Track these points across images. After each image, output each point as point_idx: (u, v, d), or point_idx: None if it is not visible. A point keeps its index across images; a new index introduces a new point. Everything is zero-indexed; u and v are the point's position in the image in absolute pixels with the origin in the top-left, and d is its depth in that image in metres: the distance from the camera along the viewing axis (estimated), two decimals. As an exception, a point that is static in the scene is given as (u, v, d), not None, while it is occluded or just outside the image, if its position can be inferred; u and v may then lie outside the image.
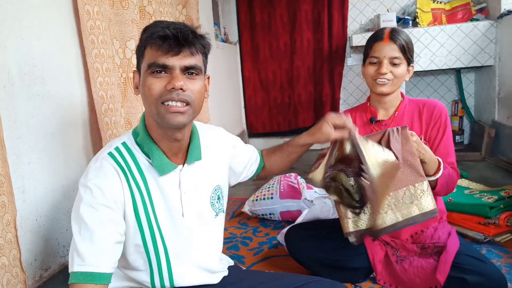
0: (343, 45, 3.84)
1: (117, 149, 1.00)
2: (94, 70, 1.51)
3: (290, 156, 1.35)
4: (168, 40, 0.92)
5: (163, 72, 0.94)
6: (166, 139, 1.01)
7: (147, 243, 1.00)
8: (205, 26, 2.99)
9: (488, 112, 3.39)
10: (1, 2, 1.16)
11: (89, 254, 0.89)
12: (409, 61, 1.44)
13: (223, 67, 3.59)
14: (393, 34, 1.39)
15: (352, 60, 3.99)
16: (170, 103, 0.94)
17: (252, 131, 4.26)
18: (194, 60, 0.97)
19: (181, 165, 1.06)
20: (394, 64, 1.40)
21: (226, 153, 1.23)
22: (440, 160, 1.36)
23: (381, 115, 1.52)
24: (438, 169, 1.35)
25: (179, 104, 0.94)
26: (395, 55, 1.39)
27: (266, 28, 4.01)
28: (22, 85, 1.23)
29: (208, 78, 1.10)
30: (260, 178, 1.45)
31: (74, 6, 1.46)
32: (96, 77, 1.51)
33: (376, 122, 1.51)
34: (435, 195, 1.41)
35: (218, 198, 1.17)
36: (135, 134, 1.04)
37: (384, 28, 1.44)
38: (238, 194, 2.90)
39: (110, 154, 0.98)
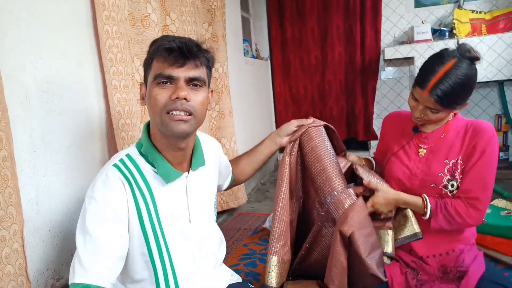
0: (376, 58, 3.76)
1: (121, 160, 1.03)
2: (112, 87, 1.57)
3: (253, 164, 1.42)
4: (173, 52, 0.96)
5: (168, 83, 0.98)
6: (170, 149, 1.04)
7: (153, 252, 1.02)
8: (233, 43, 3.04)
9: (535, 127, 3.16)
10: (21, 24, 1.24)
11: (92, 266, 0.91)
12: (451, 108, 1.32)
13: (253, 82, 3.61)
14: (436, 88, 1.24)
15: (386, 74, 3.88)
16: (174, 112, 0.97)
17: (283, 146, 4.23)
18: (198, 72, 1.00)
19: (187, 172, 1.09)
20: (431, 111, 1.31)
21: (217, 159, 1.27)
22: (426, 201, 1.33)
23: (425, 127, 1.44)
24: (424, 211, 1.33)
25: (182, 113, 0.98)
26: (431, 106, 1.29)
27: (297, 43, 4.01)
28: (39, 101, 1.30)
29: (212, 91, 1.13)
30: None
31: (94, 26, 1.53)
32: (113, 94, 1.57)
33: (418, 133, 1.44)
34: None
35: (215, 202, 1.23)
36: (138, 145, 1.07)
37: (436, 71, 1.26)
38: (264, 209, 2.87)
39: (115, 165, 1.01)
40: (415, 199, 1.35)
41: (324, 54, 3.94)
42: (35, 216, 1.27)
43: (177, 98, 0.96)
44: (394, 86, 3.89)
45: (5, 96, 1.11)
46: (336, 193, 1.25)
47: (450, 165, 1.37)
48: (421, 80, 1.30)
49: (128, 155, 1.05)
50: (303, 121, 1.39)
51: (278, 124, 4.22)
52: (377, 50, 3.75)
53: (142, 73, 1.78)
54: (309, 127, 1.36)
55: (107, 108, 1.59)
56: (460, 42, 3.16)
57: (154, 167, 1.04)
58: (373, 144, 3.96)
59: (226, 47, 2.65)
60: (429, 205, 1.32)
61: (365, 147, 4.03)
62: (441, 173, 1.37)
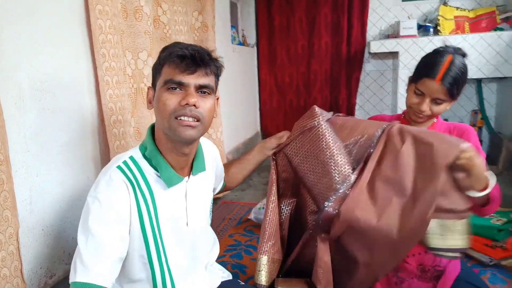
0: (361, 50, 3.80)
1: (124, 162, 1.03)
2: (104, 83, 1.55)
3: (244, 171, 1.45)
4: (186, 59, 0.98)
5: (178, 89, 0.99)
6: (175, 153, 1.06)
7: (152, 255, 1.04)
8: (221, 30, 3.01)
9: (509, 124, 3.30)
10: (16, 23, 1.21)
11: (94, 265, 0.92)
12: (454, 98, 1.36)
13: (239, 69, 3.60)
14: (447, 76, 1.28)
15: (371, 66, 3.94)
16: (182, 117, 0.98)
17: (266, 134, 4.27)
18: (208, 80, 1.02)
19: (187, 177, 1.11)
20: (436, 102, 1.34)
21: (214, 164, 1.30)
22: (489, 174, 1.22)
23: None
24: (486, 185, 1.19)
25: (191, 119, 0.99)
26: (440, 97, 1.32)
27: (284, 31, 4.00)
28: (33, 100, 1.28)
29: (218, 99, 1.15)
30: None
31: (87, 21, 1.50)
32: (106, 90, 1.56)
33: None
34: (481, 213, 1.33)
35: (211, 206, 1.26)
36: (142, 148, 1.08)
37: (441, 61, 1.30)
38: (247, 198, 2.92)
39: (119, 167, 1.02)
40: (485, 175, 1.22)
41: (311, 44, 3.95)
42: (29, 216, 1.27)
43: (186, 104, 0.97)
44: (377, 78, 3.96)
45: (0, 99, 1.10)
46: (324, 208, 1.28)
47: None
48: (427, 72, 1.34)
49: (131, 158, 1.05)
50: (280, 139, 1.39)
51: (263, 112, 4.24)
52: (362, 42, 3.79)
53: (134, 67, 1.79)
54: (291, 140, 1.35)
55: (99, 105, 1.57)
56: (444, 39, 3.23)
57: (157, 170, 1.05)
58: (355, 134, 4.04)
59: (215, 36, 2.63)
60: (494, 178, 1.20)
61: (346, 137, 4.12)
62: None
